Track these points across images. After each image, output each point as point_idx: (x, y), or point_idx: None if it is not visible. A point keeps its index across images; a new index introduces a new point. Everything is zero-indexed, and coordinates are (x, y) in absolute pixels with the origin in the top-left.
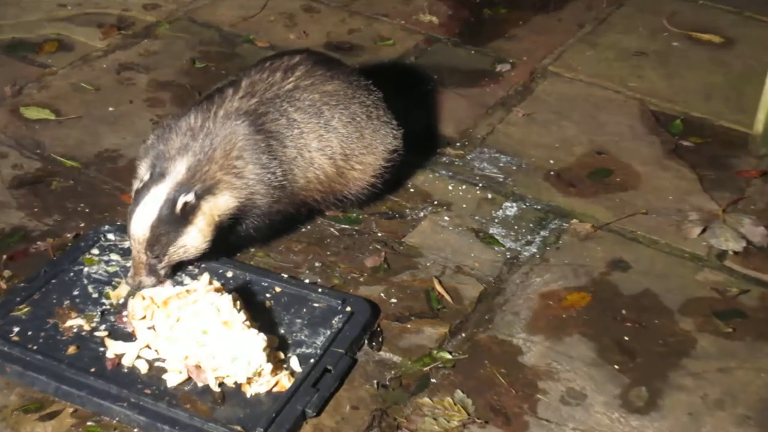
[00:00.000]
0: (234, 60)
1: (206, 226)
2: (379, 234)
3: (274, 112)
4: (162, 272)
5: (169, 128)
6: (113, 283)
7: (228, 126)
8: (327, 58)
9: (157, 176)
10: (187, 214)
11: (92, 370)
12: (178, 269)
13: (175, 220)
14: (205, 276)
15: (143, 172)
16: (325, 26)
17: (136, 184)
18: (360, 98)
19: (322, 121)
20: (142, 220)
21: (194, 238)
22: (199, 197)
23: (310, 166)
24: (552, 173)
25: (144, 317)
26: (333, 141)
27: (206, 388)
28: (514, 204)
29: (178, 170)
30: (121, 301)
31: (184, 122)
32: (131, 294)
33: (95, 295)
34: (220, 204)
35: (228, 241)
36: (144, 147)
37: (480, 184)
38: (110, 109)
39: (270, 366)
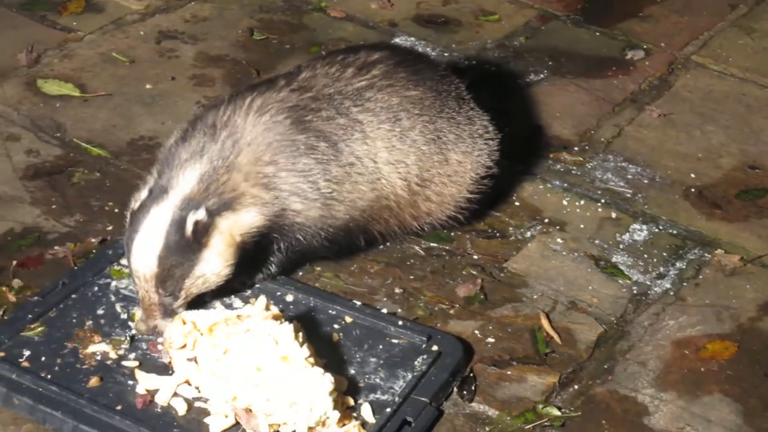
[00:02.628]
0: (300, 32)
1: (226, 248)
2: (475, 256)
3: (330, 109)
4: (180, 310)
5: (193, 123)
6: None
7: (261, 122)
8: (415, 58)
9: (158, 192)
10: (200, 236)
11: (118, 407)
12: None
13: (187, 246)
14: (262, 299)
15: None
16: None
17: (132, 203)
18: (449, 113)
19: (397, 129)
20: (146, 252)
21: (213, 265)
22: (214, 213)
23: (377, 180)
24: (693, 190)
25: (184, 346)
26: (410, 157)
27: None
28: (645, 227)
29: (187, 180)
30: None
31: (211, 116)
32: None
33: (124, 316)
34: (243, 222)
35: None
36: (164, 148)
37: (602, 200)
38: (147, 86)
39: (337, 414)
